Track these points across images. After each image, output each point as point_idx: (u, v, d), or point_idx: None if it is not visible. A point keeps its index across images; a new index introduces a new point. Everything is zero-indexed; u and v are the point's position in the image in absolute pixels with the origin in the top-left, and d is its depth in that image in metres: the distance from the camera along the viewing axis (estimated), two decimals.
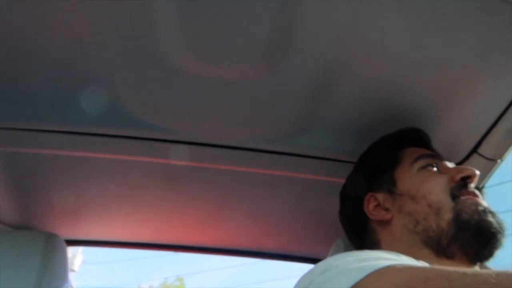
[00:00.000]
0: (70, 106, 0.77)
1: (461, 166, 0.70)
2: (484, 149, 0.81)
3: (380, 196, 0.70)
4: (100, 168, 0.87)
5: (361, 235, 0.72)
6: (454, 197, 0.64)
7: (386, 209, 0.68)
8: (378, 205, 0.70)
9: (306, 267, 0.87)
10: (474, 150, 0.82)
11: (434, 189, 0.65)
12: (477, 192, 0.65)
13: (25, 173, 0.88)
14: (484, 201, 0.64)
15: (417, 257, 0.55)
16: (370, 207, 0.71)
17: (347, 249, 0.79)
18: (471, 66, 0.69)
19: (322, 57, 0.68)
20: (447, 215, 0.62)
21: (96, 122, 0.80)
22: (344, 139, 0.84)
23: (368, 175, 0.74)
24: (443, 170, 0.69)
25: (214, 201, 0.96)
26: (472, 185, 0.66)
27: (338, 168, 0.85)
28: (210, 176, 0.89)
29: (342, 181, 0.80)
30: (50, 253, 0.89)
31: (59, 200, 0.95)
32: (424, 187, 0.66)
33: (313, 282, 0.48)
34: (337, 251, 0.80)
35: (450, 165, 0.71)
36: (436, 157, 0.72)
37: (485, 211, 0.62)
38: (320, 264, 0.51)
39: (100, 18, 0.62)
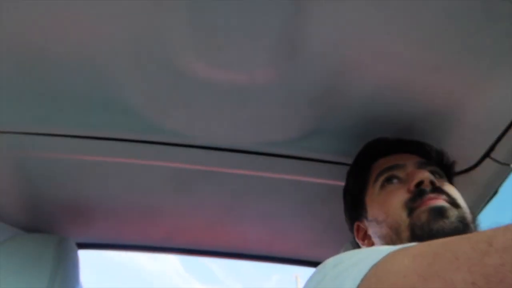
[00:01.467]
0: (80, 110, 0.78)
1: (415, 171, 0.67)
2: (497, 153, 0.80)
3: (363, 224, 0.72)
4: (111, 172, 0.88)
5: None
6: (411, 211, 0.63)
7: (370, 236, 0.70)
8: (366, 232, 0.71)
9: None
10: (487, 154, 0.81)
11: (390, 210, 0.65)
12: (433, 194, 0.63)
13: (36, 177, 0.89)
14: (441, 200, 0.62)
15: None
16: (359, 236, 0.73)
17: None
18: (483, 69, 0.68)
19: (331, 61, 0.67)
20: (405, 234, 0.62)
21: (107, 126, 0.81)
22: (354, 142, 0.83)
23: (350, 206, 0.77)
24: (406, 178, 0.68)
25: (223, 205, 0.96)
26: (428, 189, 0.64)
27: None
28: (219, 180, 0.89)
29: None
30: (61, 257, 0.90)
31: (70, 204, 0.96)
32: (383, 211, 0.66)
33: (327, 275, 0.47)
34: None
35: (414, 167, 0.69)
36: (396, 167, 0.70)
37: (437, 216, 0.60)
38: (330, 259, 0.50)
39: (111, 23, 0.63)
